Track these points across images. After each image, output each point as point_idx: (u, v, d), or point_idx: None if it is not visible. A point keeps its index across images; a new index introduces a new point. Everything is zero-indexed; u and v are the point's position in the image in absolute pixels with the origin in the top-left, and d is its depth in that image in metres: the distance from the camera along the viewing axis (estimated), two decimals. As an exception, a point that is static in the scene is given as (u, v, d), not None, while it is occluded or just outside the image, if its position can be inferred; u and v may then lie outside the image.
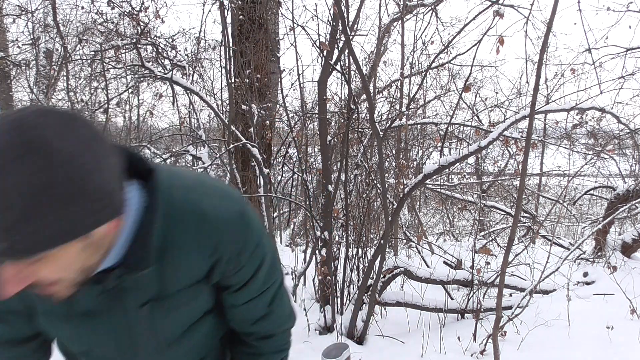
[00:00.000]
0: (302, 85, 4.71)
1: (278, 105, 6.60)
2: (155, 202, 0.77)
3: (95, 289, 0.80)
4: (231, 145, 4.58)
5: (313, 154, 6.19)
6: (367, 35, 11.45)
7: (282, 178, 8.29)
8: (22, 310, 0.87)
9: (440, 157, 4.26)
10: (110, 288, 0.81)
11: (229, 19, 4.43)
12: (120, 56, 5.15)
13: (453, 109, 5.61)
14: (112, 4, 4.69)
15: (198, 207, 0.82)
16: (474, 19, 4.15)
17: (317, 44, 4.05)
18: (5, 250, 0.61)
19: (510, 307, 3.80)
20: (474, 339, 3.61)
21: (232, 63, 4.66)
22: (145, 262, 0.77)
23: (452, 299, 4.29)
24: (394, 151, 6.27)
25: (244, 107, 4.72)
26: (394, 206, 4.08)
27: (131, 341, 0.88)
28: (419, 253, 5.45)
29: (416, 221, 7.90)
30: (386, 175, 4.48)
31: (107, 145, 0.66)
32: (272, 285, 0.96)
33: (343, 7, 3.33)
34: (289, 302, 1.04)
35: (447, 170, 5.39)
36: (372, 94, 4.45)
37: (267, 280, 0.94)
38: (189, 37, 5.80)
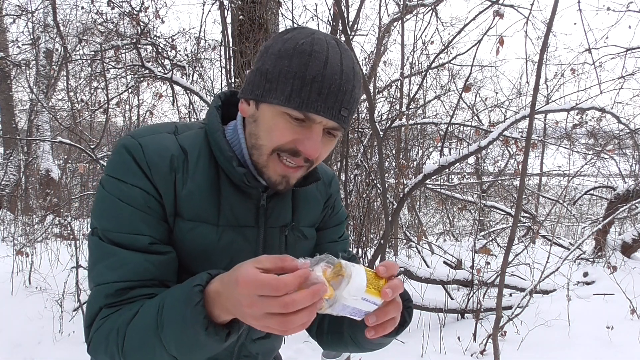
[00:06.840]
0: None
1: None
2: None
3: (253, 203, 0.96)
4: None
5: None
6: (367, 35, 11.47)
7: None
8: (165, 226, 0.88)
9: (440, 157, 4.26)
10: (262, 205, 0.96)
11: (229, 19, 4.43)
12: (120, 56, 5.15)
13: (453, 109, 5.61)
14: (112, 4, 4.68)
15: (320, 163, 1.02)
16: (474, 19, 4.16)
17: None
18: (346, 118, 0.82)
19: (510, 307, 3.80)
20: (474, 339, 3.62)
21: (232, 63, 4.65)
22: (315, 176, 0.97)
23: (452, 299, 4.28)
24: (394, 151, 6.27)
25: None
26: (394, 206, 4.08)
27: None
28: (419, 253, 5.44)
29: (416, 221, 7.90)
30: (386, 175, 4.48)
31: None
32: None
33: (343, 7, 3.33)
34: None
35: (447, 170, 5.38)
36: (372, 94, 4.45)
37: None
38: (189, 37, 5.79)
